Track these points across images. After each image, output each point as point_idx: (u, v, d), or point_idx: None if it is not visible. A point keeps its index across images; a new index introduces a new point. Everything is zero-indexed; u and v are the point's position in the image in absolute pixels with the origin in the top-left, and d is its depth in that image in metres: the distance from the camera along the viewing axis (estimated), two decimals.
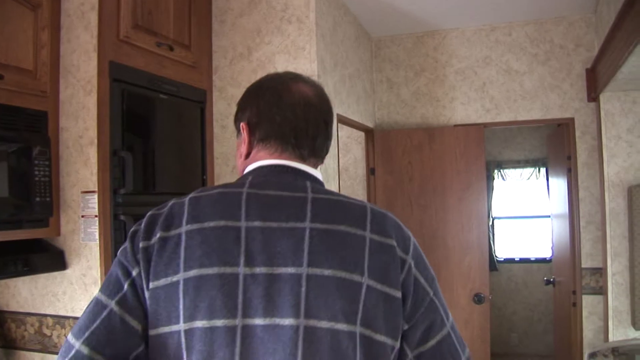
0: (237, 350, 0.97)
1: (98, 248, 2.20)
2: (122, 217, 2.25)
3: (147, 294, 1.01)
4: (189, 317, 0.98)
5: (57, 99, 2.28)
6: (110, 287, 1.04)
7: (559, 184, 4.32)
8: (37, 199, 2.13)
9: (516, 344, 6.68)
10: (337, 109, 3.23)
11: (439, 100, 4.13)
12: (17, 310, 2.39)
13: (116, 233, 2.24)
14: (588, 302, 3.85)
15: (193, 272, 1.00)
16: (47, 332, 2.32)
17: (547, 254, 6.96)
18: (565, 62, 3.93)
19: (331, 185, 3.05)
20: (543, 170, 6.88)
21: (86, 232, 2.23)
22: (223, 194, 1.09)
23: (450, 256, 3.91)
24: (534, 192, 7.14)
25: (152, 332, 1.01)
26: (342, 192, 3.34)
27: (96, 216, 2.20)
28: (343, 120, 3.40)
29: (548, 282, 4.68)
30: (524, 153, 6.85)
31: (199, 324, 0.98)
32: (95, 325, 1.01)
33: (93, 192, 2.21)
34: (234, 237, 1.03)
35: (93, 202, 2.21)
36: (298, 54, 2.90)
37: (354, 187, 4.21)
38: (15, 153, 2.07)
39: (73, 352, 1.00)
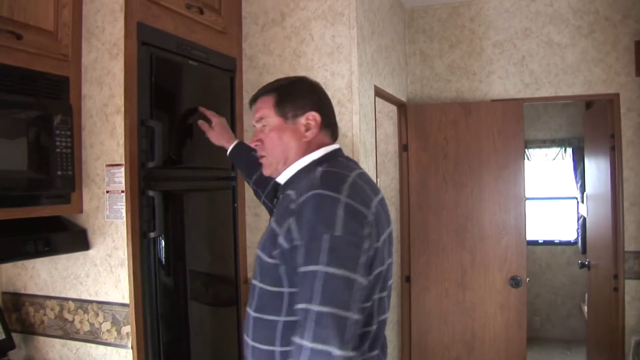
0: (389, 275, 1.54)
1: (125, 226, 2.01)
2: (150, 193, 2.06)
3: (371, 252, 1.39)
4: (386, 260, 1.48)
5: (79, 63, 2.07)
6: (349, 263, 1.33)
7: (598, 164, 4.11)
8: (59, 172, 1.94)
9: (538, 328, 6.52)
10: (374, 80, 3.01)
11: (475, 73, 3.90)
12: (35, 293, 2.21)
13: (144, 210, 2.05)
14: (631, 287, 3.66)
15: (386, 232, 1.48)
16: (68, 317, 2.15)
17: (571, 236, 6.77)
18: (611, 34, 3.69)
19: (368, 161, 2.86)
20: (569, 150, 6.67)
21: (111, 209, 2.04)
22: (362, 174, 1.54)
23: (486, 237, 3.71)
24: (559, 173, 6.92)
25: (371, 275, 1.41)
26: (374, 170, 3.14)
27: (123, 191, 2.01)
28: (380, 93, 3.18)
29: (583, 266, 4.48)
30: (549, 132, 6.63)
31: (387, 262, 1.51)
32: (353, 296, 1.31)
33: (119, 165, 2.02)
34: (384, 206, 1.52)
35: (119, 176, 2.02)
36: (336, 20, 2.68)
37: (385, 164, 3.99)
38: (34, 122, 1.87)
39: (353, 321, 1.30)
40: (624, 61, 3.66)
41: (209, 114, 2.33)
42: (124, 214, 2.01)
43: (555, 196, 6.91)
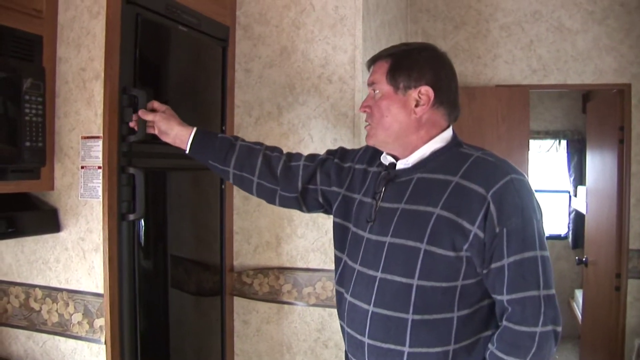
0: None
1: (101, 207, 1.78)
2: (131, 170, 1.83)
3: None
4: None
5: (54, 21, 1.83)
6: (546, 243, 1.35)
7: (603, 157, 3.94)
8: (27, 143, 1.70)
9: None
10: None
11: (480, 57, 3.70)
12: None
13: (123, 189, 1.82)
14: (634, 287, 3.52)
15: None
16: (35, 305, 1.92)
17: (562, 230, 6.65)
18: (625, 21, 3.52)
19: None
20: (564, 142, 6.52)
21: (86, 186, 1.81)
22: None
23: None
24: (552, 166, 6.78)
25: None
26: None
27: (100, 167, 1.78)
28: None
29: (580, 262, 4.33)
30: (544, 124, 6.46)
31: None
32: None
33: (97, 137, 1.78)
34: None
35: (97, 150, 1.78)
36: None
37: None
38: (0, 84, 1.63)
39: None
40: (638, 50, 3.48)
41: (156, 105, 1.81)
42: (100, 193, 1.79)
43: (546, 189, 6.76)
